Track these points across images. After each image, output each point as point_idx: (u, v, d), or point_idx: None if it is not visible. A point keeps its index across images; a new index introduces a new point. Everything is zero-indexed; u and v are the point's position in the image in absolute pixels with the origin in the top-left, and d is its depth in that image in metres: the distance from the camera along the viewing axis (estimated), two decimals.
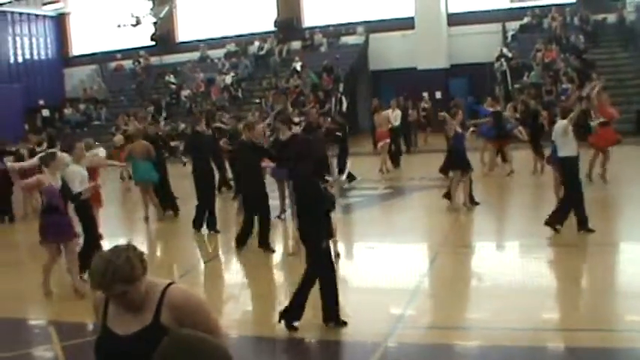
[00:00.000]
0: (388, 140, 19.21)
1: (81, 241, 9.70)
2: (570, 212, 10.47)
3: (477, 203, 13.18)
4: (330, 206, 7.30)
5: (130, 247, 3.15)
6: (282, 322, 7.10)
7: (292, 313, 7.09)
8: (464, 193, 13.10)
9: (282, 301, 8.70)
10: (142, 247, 12.67)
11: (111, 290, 3.06)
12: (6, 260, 11.65)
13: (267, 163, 11.61)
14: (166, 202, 14.46)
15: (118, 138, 20.49)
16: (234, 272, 10.78)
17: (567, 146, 10.45)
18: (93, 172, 11.98)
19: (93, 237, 9.79)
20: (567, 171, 10.53)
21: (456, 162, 13.05)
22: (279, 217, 12.85)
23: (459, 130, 13.03)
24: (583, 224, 10.33)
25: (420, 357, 6.66)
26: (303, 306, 7.08)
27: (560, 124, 10.59)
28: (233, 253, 11.07)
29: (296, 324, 7.07)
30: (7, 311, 8.51)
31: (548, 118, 17.82)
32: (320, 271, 7.04)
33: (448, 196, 13.21)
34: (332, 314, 7.07)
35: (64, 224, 8.92)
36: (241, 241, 10.94)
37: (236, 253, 10.95)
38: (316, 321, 7.35)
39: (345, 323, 7.07)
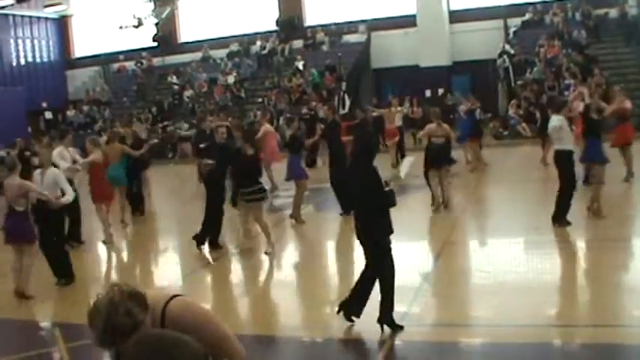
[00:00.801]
0: (397, 138, 19.29)
1: None
2: (571, 202, 10.55)
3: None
4: (393, 201, 6.96)
5: (126, 295, 2.85)
6: (341, 313, 7.05)
7: (352, 307, 6.99)
8: (443, 192, 13.06)
9: (283, 300, 8.73)
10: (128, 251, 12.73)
11: (116, 345, 2.82)
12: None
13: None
14: (136, 203, 15.01)
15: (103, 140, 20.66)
16: (233, 273, 10.79)
17: (562, 141, 10.50)
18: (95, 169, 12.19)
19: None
20: (561, 165, 10.59)
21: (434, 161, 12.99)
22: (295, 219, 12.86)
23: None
24: (559, 218, 10.50)
25: (426, 354, 6.66)
26: (364, 302, 6.95)
27: (554, 118, 10.62)
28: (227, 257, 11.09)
29: (354, 319, 7.00)
30: (13, 313, 8.53)
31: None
32: (384, 269, 6.89)
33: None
34: (387, 316, 6.82)
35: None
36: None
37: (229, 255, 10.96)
38: (322, 319, 7.36)
39: (401, 328, 6.80)
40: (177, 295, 3.11)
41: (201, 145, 12.71)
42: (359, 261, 10.63)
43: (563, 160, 10.51)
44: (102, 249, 12.42)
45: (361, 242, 7.04)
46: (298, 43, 32.79)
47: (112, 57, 36.24)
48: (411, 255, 10.70)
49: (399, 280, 9.40)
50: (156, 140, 16.83)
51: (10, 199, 8.90)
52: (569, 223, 10.49)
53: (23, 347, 7.24)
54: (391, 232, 6.93)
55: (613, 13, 27.71)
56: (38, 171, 9.68)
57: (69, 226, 12.16)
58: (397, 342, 6.71)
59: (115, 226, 13.10)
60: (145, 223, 14.95)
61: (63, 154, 12.01)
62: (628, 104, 14.41)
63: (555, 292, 7.99)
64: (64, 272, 9.67)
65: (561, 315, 7.28)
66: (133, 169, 14.53)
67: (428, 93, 28.61)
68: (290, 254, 11.69)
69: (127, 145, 14.63)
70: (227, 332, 3.12)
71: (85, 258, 11.95)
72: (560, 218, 10.52)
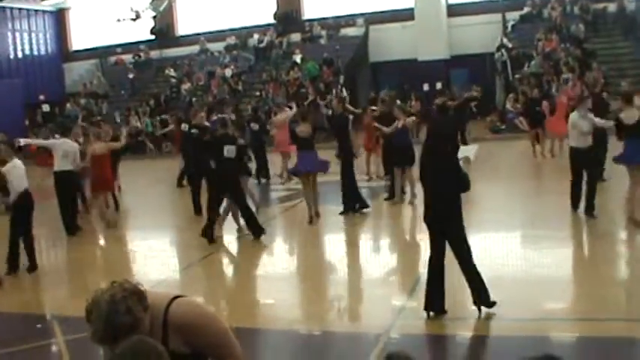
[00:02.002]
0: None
1: None
2: (595, 194, 10.77)
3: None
4: (469, 184, 6.92)
5: (127, 292, 2.81)
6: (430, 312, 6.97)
7: (436, 303, 6.93)
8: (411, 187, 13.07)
9: (279, 293, 8.74)
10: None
11: (116, 344, 2.72)
12: None
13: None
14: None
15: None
16: (230, 266, 10.81)
17: (574, 138, 10.85)
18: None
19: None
20: (572, 161, 10.93)
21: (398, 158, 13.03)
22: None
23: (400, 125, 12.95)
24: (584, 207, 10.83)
25: (422, 348, 6.68)
26: (443, 293, 6.93)
27: (571, 116, 11.04)
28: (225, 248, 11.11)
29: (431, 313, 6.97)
30: (11, 306, 8.55)
31: (548, 108, 17.84)
32: (469, 250, 6.91)
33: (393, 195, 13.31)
34: (483, 295, 6.86)
35: None
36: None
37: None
38: (319, 312, 7.37)
39: (494, 303, 6.86)
40: (180, 296, 3.05)
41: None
42: (360, 254, 10.72)
43: (573, 156, 10.95)
44: (97, 242, 12.45)
45: (433, 229, 6.96)
46: (296, 37, 32.74)
47: (110, 50, 36.15)
48: (409, 248, 10.73)
49: (397, 273, 9.46)
50: (130, 133, 16.94)
51: None
52: (593, 216, 10.72)
53: (21, 340, 7.24)
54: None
55: (611, 7, 27.68)
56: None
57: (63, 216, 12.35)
58: (394, 335, 6.72)
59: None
60: (138, 218, 14.95)
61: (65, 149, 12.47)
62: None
63: (554, 286, 7.99)
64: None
65: (560, 309, 7.30)
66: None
67: (426, 87, 28.59)
68: (288, 248, 11.72)
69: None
70: (229, 336, 3.06)
71: (78, 250, 11.98)
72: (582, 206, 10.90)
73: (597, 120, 10.87)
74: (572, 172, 11.03)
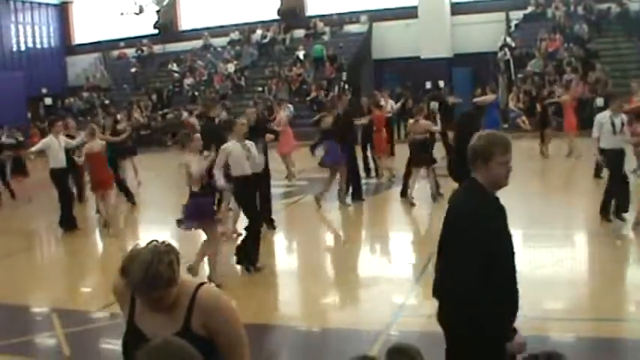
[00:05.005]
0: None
1: None
2: (611, 201, 10.37)
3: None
4: None
5: (172, 249, 2.89)
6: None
7: None
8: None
9: (279, 289, 8.74)
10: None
11: (147, 295, 2.83)
12: (10, 247, 11.69)
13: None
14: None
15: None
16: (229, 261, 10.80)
17: (602, 139, 10.37)
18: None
19: None
20: (612, 163, 10.39)
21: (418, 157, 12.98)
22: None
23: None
24: (604, 210, 10.37)
25: (422, 345, 6.63)
26: None
27: (599, 117, 10.64)
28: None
29: None
30: (11, 298, 8.55)
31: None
32: None
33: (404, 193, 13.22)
34: None
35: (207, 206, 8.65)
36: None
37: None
38: (319, 309, 7.36)
39: None
40: (204, 283, 3.10)
41: None
42: (360, 251, 10.71)
43: (607, 159, 10.42)
44: (96, 236, 12.44)
45: None
46: (299, 33, 32.72)
47: (113, 44, 36.16)
48: (409, 246, 10.73)
49: (397, 271, 9.46)
50: (129, 129, 16.83)
51: None
52: (609, 220, 10.33)
53: (21, 332, 7.25)
54: None
55: (615, 7, 27.65)
56: None
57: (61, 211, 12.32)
58: (394, 332, 6.72)
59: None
60: (140, 212, 14.94)
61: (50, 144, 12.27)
62: None
63: (552, 285, 7.99)
64: None
65: (557, 308, 7.30)
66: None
67: (428, 85, 28.55)
68: (288, 243, 11.71)
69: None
70: (243, 332, 3.08)
71: (79, 244, 11.99)
72: (603, 210, 10.40)
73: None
74: (616, 174, 10.36)
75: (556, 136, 18.20)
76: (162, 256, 2.82)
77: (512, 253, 3.85)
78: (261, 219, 9.47)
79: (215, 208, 9.40)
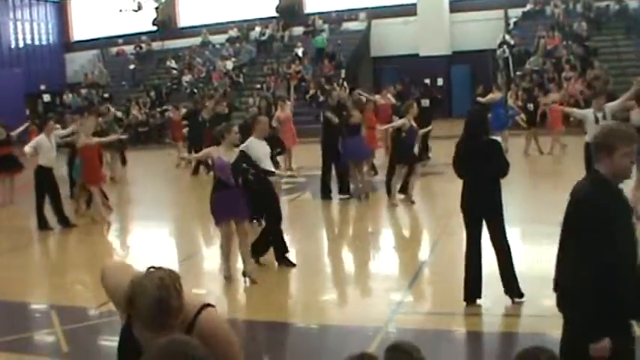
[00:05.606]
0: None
1: None
2: None
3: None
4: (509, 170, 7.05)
5: (176, 278, 2.74)
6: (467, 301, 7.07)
7: (475, 292, 7.05)
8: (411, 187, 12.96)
9: (278, 285, 8.74)
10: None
11: (160, 333, 2.60)
12: (10, 245, 11.69)
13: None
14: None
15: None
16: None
17: (588, 134, 10.39)
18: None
19: None
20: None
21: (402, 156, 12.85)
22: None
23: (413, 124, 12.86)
24: None
25: (420, 342, 6.63)
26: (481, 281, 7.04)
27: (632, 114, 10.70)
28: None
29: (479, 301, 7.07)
30: (10, 295, 8.55)
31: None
32: (507, 238, 7.02)
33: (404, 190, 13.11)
34: (514, 286, 7.01)
35: (236, 200, 8.47)
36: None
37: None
38: (317, 305, 7.36)
39: (523, 295, 6.99)
40: (210, 305, 3.02)
41: None
42: (359, 248, 10.71)
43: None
44: (92, 233, 12.43)
45: (473, 217, 7.11)
46: (298, 30, 32.70)
47: (111, 41, 36.11)
48: (407, 244, 10.74)
49: (395, 268, 9.46)
50: (123, 136, 16.97)
51: None
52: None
53: (19, 329, 7.25)
54: None
55: (614, 5, 27.67)
56: None
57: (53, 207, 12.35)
58: (392, 329, 6.73)
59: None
60: (136, 208, 14.96)
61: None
62: None
63: (552, 283, 7.98)
64: None
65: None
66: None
67: (427, 82, 28.54)
68: (288, 240, 11.70)
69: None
70: None
71: (77, 241, 11.99)
72: None
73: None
74: None
75: (544, 134, 18.27)
76: (170, 290, 2.68)
77: (636, 248, 3.86)
78: (281, 217, 9.47)
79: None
